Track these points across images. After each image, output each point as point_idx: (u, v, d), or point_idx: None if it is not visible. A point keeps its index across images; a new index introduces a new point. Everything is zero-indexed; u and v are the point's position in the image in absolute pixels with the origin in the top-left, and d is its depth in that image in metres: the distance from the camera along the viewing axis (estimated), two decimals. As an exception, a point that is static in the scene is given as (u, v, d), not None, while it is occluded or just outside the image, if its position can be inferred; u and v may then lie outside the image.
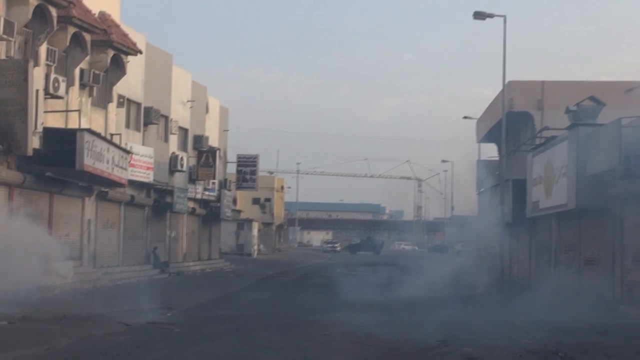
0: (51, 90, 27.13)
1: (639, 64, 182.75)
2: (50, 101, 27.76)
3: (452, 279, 39.27)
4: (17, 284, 24.62)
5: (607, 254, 26.34)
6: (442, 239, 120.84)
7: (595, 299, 26.54)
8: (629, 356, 16.52)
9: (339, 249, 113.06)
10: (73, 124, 29.18)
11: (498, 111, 38.84)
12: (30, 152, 24.69)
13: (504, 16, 36.21)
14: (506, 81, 37.08)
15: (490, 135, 45.21)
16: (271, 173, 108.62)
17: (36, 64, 26.18)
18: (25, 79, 23.71)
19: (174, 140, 43.27)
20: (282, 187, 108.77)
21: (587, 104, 28.42)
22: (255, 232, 78.34)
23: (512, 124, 38.51)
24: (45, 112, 27.22)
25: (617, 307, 24.64)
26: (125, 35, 32.88)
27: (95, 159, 28.07)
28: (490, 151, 50.17)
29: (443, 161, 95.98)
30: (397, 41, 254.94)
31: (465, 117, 55.04)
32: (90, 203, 32.24)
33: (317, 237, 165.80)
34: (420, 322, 21.21)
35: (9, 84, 23.55)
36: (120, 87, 33.98)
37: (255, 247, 78.54)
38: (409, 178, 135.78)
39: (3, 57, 24.99)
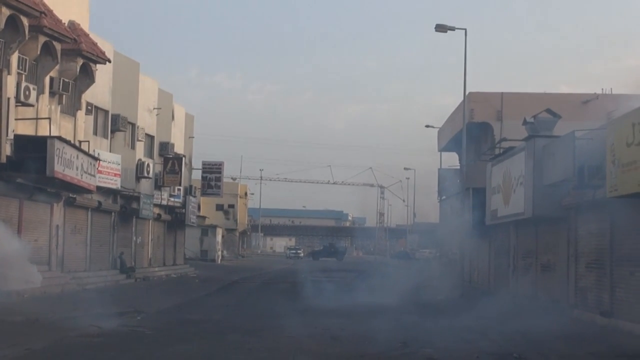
0: (22, 98, 27.58)
1: (598, 74, 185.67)
2: (21, 109, 28.20)
3: (413, 286, 40.07)
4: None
5: (562, 261, 27.23)
6: (405, 245, 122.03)
7: (551, 303, 27.49)
8: (581, 357, 17.33)
9: (302, 255, 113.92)
10: (42, 131, 29.64)
11: (459, 121, 39.80)
12: (4, 160, 25.13)
13: (465, 29, 37.26)
14: (467, 92, 38.12)
15: (451, 144, 46.20)
16: (234, 179, 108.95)
17: (8, 72, 26.64)
18: (0, 88, 24.22)
19: (140, 147, 43.80)
20: (246, 194, 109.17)
21: (543, 117, 29.40)
22: (219, 238, 78.82)
23: (473, 134, 39.50)
24: (16, 119, 27.66)
25: (571, 312, 25.51)
26: (94, 44, 33.41)
27: (65, 166, 28.59)
28: (451, 159, 51.24)
29: (405, 169, 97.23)
30: (359, 48, 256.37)
31: (427, 126, 56.05)
32: (58, 209, 32.68)
33: (279, 243, 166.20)
34: (382, 327, 21.94)
35: (-19, 94, 24.07)
36: (89, 95, 34.45)
37: (219, 253, 79.05)
38: (371, 185, 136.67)
39: (-25, 66, 25.51)
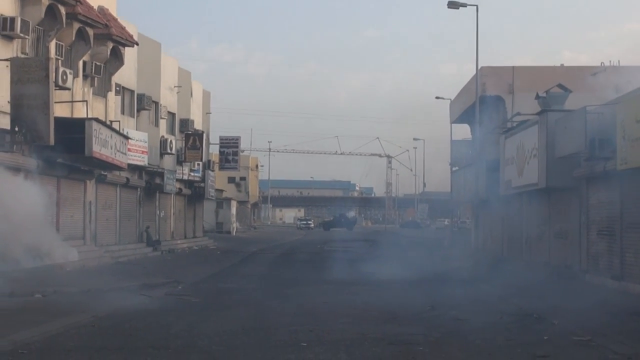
0: (60, 82, 28.94)
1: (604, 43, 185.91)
2: (58, 92, 29.61)
3: (427, 255, 41.49)
4: (33, 261, 26.86)
5: (574, 229, 28.52)
6: (414, 214, 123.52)
7: (564, 269, 28.94)
8: (595, 316, 18.69)
9: (312, 225, 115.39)
10: (77, 113, 31.13)
11: (471, 94, 41.06)
12: (52, 142, 26.58)
13: (476, 6, 38.61)
14: (479, 67, 39.47)
15: (463, 116, 47.41)
16: (242, 152, 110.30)
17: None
18: (47, 75, 25.68)
19: (163, 124, 45.31)
20: (257, 166, 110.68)
21: (555, 91, 30.69)
22: (234, 210, 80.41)
23: (485, 107, 40.78)
24: (55, 102, 29.07)
25: (583, 276, 26.90)
26: (122, 28, 34.82)
27: (102, 146, 30.12)
28: (463, 131, 52.50)
29: (415, 139, 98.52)
30: (358, 17, 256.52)
31: (437, 98, 56.90)
32: (91, 186, 34.18)
33: (289, 214, 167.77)
34: (407, 293, 23.50)
35: (32, 80, 25.50)
36: (117, 76, 35.88)
37: (234, 225, 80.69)
38: (379, 155, 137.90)
39: (19, 54, 26.96)
